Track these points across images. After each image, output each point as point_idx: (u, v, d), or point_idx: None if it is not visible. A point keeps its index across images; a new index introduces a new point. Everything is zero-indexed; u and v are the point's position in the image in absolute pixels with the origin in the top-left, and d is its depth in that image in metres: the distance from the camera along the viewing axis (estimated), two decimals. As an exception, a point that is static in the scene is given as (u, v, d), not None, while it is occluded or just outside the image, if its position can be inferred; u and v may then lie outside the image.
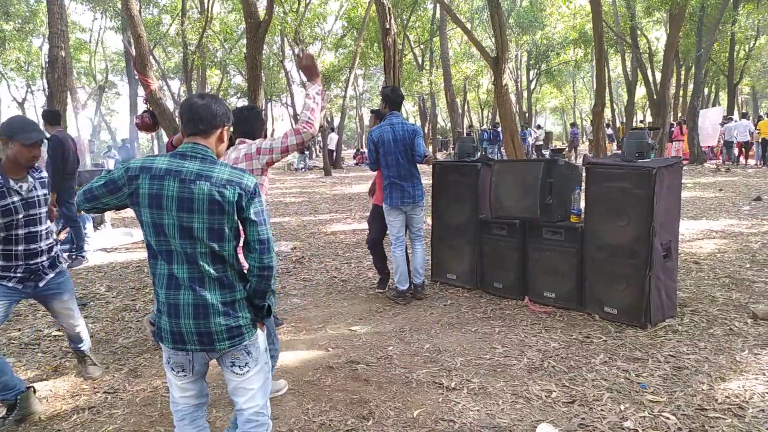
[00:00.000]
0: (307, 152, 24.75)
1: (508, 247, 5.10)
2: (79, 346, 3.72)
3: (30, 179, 3.19)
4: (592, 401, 3.15)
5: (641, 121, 33.34)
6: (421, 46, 31.22)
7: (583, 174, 4.74)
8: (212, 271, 2.02)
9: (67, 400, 3.45)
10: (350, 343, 4.16)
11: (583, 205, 4.66)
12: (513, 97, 39.28)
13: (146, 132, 7.01)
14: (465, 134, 27.99)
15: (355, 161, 27.86)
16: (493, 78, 11.76)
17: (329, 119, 33.09)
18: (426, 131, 33.14)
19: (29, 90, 35.06)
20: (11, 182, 3.08)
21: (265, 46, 33.74)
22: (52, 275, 3.35)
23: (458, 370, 3.63)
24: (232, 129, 3.43)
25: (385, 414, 3.10)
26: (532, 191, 4.82)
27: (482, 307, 4.89)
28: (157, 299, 2.07)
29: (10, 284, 3.15)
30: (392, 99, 5.09)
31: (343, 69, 26.49)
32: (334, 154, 23.95)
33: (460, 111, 32.05)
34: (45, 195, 3.28)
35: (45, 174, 3.35)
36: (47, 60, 11.76)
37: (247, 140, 3.22)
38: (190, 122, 2.06)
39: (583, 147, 31.40)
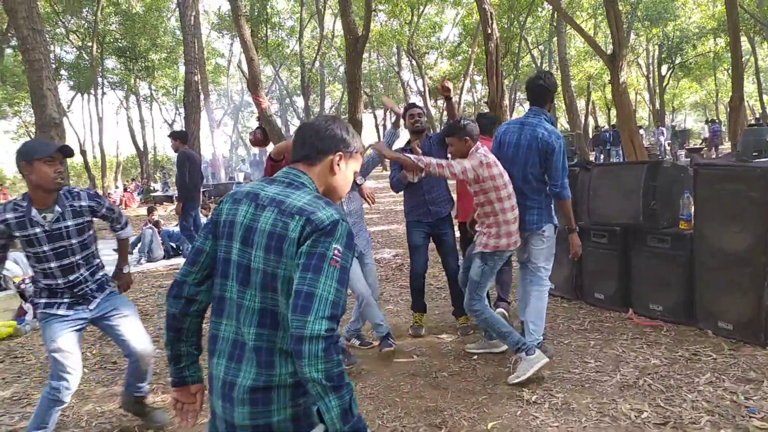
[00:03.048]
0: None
1: (609, 255, 4.79)
2: (141, 386, 3.16)
3: (57, 208, 2.83)
4: (688, 424, 2.87)
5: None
6: (540, 47, 30.29)
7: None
8: (251, 336, 1.47)
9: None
10: (436, 350, 4.16)
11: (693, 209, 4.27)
12: (646, 95, 36.76)
13: (258, 147, 7.54)
14: (593, 136, 26.64)
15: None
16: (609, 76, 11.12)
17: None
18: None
19: (177, 112, 39.03)
20: (33, 211, 2.78)
21: (383, 59, 34.68)
22: (102, 296, 3.03)
23: (543, 383, 3.48)
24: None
25: (458, 424, 3.06)
26: (635, 195, 4.51)
27: (580, 319, 4.64)
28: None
29: (60, 311, 2.90)
30: (532, 87, 3.80)
31: (459, 76, 26.48)
32: (450, 161, 23.87)
33: (584, 112, 30.62)
34: (78, 224, 2.90)
35: (85, 202, 2.92)
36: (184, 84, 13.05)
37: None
38: (295, 146, 1.65)
39: (728, 146, 28.44)
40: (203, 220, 7.60)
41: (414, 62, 25.43)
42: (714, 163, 4.13)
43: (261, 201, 1.53)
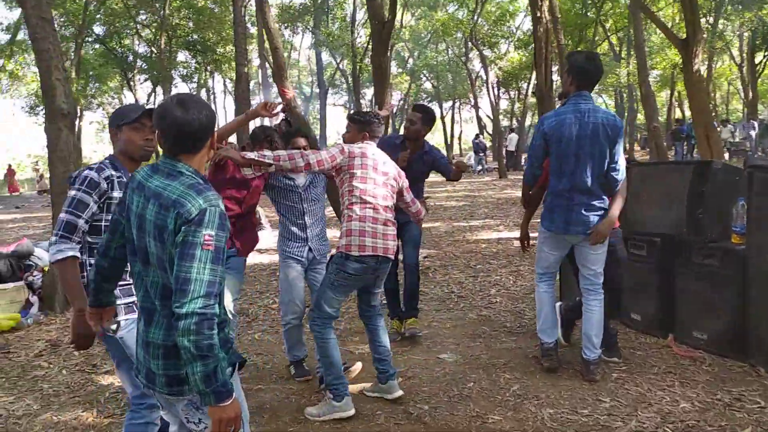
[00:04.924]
0: (482, 154, 24.07)
1: (648, 270, 4.10)
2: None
3: None
4: (707, 500, 2.26)
5: None
6: (619, 34, 28.44)
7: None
8: (159, 306, 1.74)
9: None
10: (430, 373, 3.67)
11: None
12: (740, 84, 33.69)
13: (284, 139, 7.15)
14: (672, 130, 24.83)
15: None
16: (682, 63, 10.05)
17: (511, 120, 32.01)
18: (624, 128, 30.18)
19: (250, 104, 40.07)
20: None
21: (449, 49, 33.83)
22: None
23: (539, 424, 2.93)
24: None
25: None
26: (678, 202, 3.83)
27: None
28: None
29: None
30: (582, 70, 3.27)
31: (531, 66, 25.27)
32: (514, 155, 22.94)
33: (666, 104, 28.53)
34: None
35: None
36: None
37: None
38: (176, 141, 1.72)
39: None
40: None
41: (479, 52, 24.44)
42: (775, 164, 3.40)
43: (146, 193, 1.72)
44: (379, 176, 3.15)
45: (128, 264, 1.91)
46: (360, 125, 3.27)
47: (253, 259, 7.72)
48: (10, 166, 28.62)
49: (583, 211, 3.32)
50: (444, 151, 38.03)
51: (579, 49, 25.59)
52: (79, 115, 25.80)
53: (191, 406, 1.78)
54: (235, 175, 3.42)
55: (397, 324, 4.39)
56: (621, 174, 3.36)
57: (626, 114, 29.19)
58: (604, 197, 3.37)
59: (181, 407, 1.80)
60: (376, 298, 3.34)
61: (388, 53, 6.58)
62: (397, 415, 3.12)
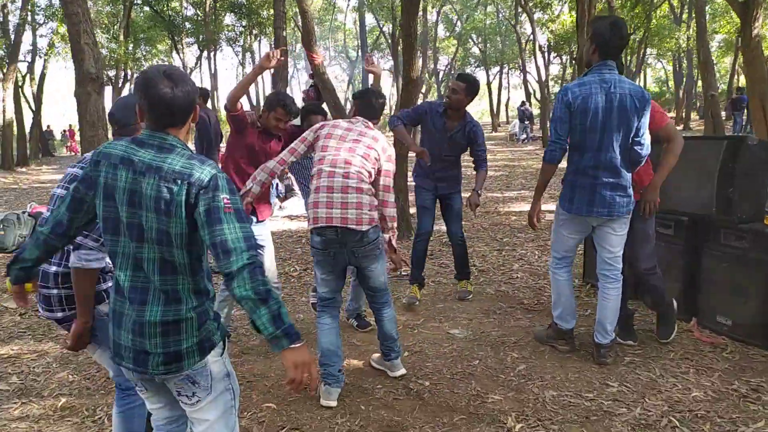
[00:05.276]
0: (527, 122, 23.37)
1: (674, 250, 3.91)
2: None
3: None
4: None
5: None
6: (680, -4, 26.82)
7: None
8: (157, 282, 1.71)
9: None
10: (437, 349, 3.63)
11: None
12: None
13: (312, 106, 7.10)
14: (732, 99, 23.52)
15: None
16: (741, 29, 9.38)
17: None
18: (681, 96, 28.70)
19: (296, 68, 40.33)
20: None
21: (499, 12, 32.65)
22: None
23: (539, 407, 2.86)
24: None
25: (412, 450, 2.57)
26: (708, 179, 3.59)
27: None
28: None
29: None
30: (606, 39, 3.01)
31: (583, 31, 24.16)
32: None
33: (728, 71, 26.89)
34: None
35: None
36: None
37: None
38: (165, 116, 1.70)
39: None
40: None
41: (527, 15, 23.47)
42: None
43: (138, 167, 1.67)
44: (346, 144, 2.98)
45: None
46: (354, 102, 3.30)
47: (281, 225, 7.81)
48: (71, 126, 29.68)
49: (608, 191, 3.10)
50: (489, 118, 36.82)
51: (636, 11, 24.35)
52: (130, 77, 26.47)
53: (187, 381, 1.78)
54: (253, 142, 3.49)
55: (415, 290, 4.47)
56: (646, 149, 3.13)
57: (684, 81, 27.75)
58: (629, 175, 3.17)
59: (175, 382, 1.79)
60: (375, 279, 3.09)
61: (418, 17, 6.31)
62: (397, 390, 3.11)
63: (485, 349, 3.57)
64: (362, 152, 2.96)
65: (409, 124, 4.42)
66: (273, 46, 12.56)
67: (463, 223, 4.64)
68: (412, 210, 6.05)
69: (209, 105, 17.44)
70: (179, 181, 1.63)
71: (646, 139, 3.13)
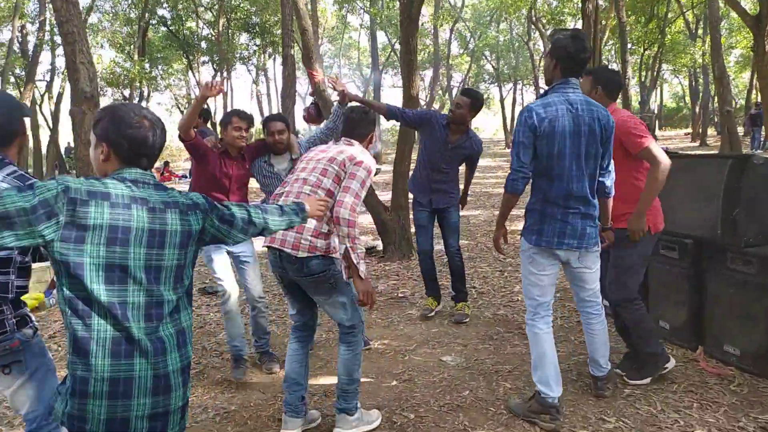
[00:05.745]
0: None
1: (679, 274, 3.71)
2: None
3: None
4: None
5: None
6: (695, 11, 26.58)
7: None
8: (171, 327, 1.62)
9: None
10: (427, 377, 3.46)
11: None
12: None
13: (312, 124, 7.07)
14: (751, 114, 23.16)
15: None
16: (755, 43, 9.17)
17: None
18: (697, 112, 28.31)
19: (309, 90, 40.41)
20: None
21: (512, 30, 32.65)
22: None
23: (529, 444, 2.68)
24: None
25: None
26: (712, 200, 3.41)
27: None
28: (82, 378, 1.50)
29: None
30: (570, 53, 2.70)
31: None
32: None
33: (746, 86, 26.45)
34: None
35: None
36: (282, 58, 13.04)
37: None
38: (151, 157, 1.69)
39: None
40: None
41: (538, 32, 23.43)
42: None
43: (154, 205, 1.61)
44: (311, 164, 2.76)
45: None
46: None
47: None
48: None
49: (579, 221, 2.79)
50: (503, 135, 36.58)
51: (650, 27, 24.13)
52: (146, 96, 26.83)
53: None
54: (215, 167, 3.49)
55: (430, 302, 4.65)
56: (611, 178, 2.91)
57: (701, 96, 27.37)
58: (595, 203, 2.86)
59: None
60: (332, 315, 2.78)
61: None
62: (380, 423, 2.94)
63: (477, 379, 3.40)
64: (321, 168, 2.72)
65: (409, 121, 4.42)
66: (282, 64, 12.58)
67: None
68: (413, 229, 5.91)
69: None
70: (193, 211, 1.70)
71: (613, 167, 2.91)
